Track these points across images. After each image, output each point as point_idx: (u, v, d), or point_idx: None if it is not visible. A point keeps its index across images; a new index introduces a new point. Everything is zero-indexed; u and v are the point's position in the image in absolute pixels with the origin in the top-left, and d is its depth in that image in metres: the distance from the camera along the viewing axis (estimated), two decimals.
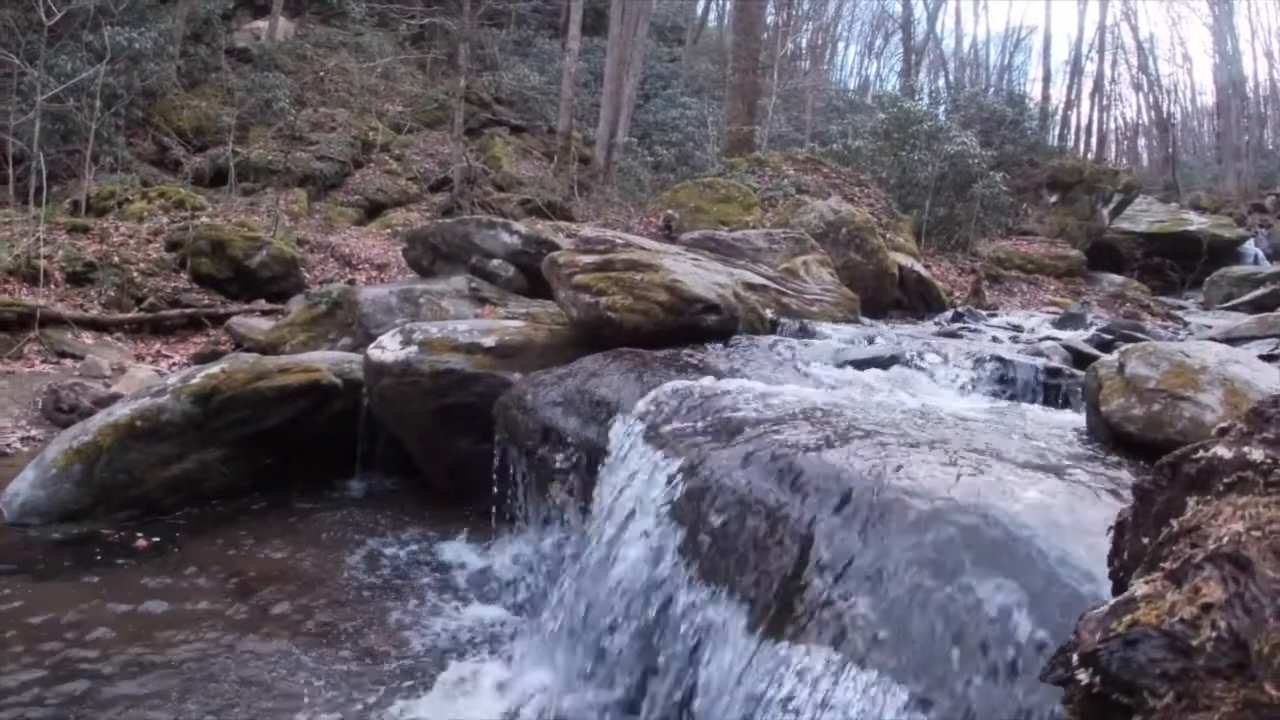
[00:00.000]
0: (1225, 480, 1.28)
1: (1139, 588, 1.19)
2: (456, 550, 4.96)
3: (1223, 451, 1.31)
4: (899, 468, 2.72)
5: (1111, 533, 1.49)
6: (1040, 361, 5.01)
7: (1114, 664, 1.12)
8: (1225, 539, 1.15)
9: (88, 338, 8.80)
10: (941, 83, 36.32)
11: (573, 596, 3.46)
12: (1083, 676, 1.16)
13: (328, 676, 3.61)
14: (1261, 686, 1.00)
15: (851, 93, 34.58)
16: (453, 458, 5.44)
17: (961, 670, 2.07)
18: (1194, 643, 1.08)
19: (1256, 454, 1.27)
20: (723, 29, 33.56)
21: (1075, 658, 1.18)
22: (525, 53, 22.41)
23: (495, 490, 4.85)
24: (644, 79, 21.67)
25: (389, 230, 13.40)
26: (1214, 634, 1.07)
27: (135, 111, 14.80)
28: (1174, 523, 1.27)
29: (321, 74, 17.55)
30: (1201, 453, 1.34)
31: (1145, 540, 1.35)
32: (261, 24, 18.89)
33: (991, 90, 30.48)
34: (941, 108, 25.50)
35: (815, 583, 2.53)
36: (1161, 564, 1.22)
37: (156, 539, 4.93)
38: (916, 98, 24.61)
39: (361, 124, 16.94)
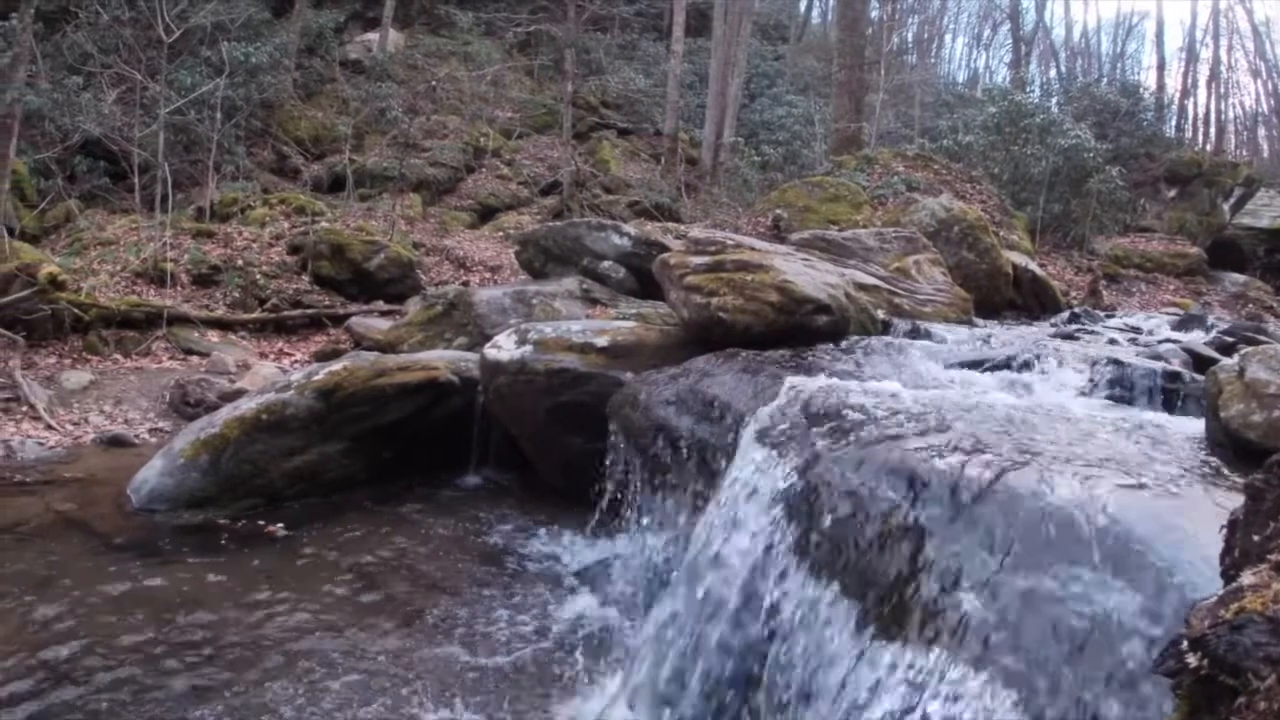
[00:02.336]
0: None
1: (1246, 577, 1.23)
2: (568, 545, 5.05)
3: None
4: (1014, 470, 2.68)
5: (1224, 531, 1.50)
6: (1159, 365, 4.85)
7: (1221, 647, 1.16)
8: None
9: (213, 336, 9.17)
10: (1053, 73, 35.23)
11: (684, 593, 3.47)
12: (1192, 660, 1.20)
13: (438, 668, 3.70)
14: None
15: (960, 86, 33.74)
16: (565, 454, 5.52)
17: (1073, 675, 2.04)
18: None
19: None
20: (826, 25, 33.17)
21: (1185, 644, 1.22)
22: (630, 56, 22.51)
23: (607, 487, 4.90)
24: (749, 78, 21.56)
25: (501, 233, 13.62)
26: None
27: (254, 122, 15.34)
28: None
29: (432, 83, 17.90)
30: None
31: (1256, 537, 1.36)
32: (372, 36, 19.36)
33: (1104, 80, 29.41)
34: (1053, 99, 24.72)
35: (927, 583, 2.51)
36: (1268, 556, 1.26)
37: (279, 526, 5.13)
38: (1027, 90, 23.94)
39: (472, 130, 17.25)
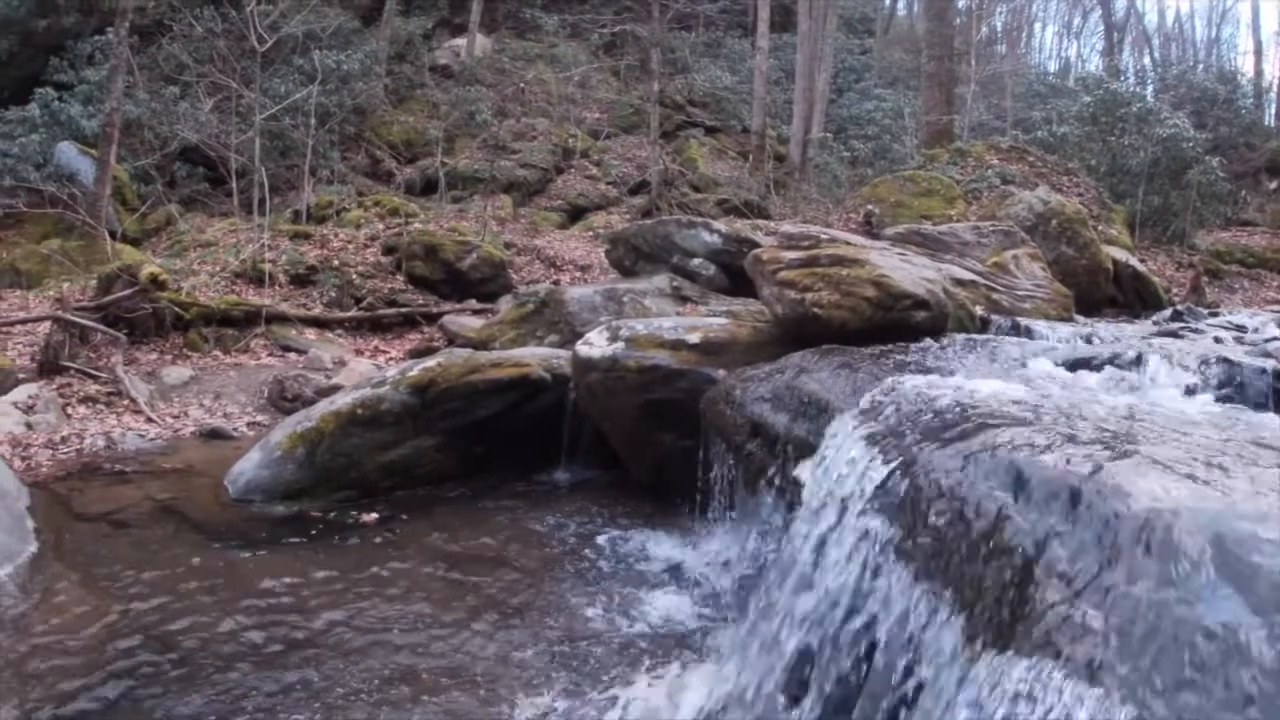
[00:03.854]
0: None
1: None
2: (658, 543, 5.00)
3: None
4: (1126, 472, 2.56)
5: None
6: (1270, 364, 4.66)
7: None
8: None
9: (310, 334, 9.40)
10: (1146, 61, 34.08)
11: (777, 595, 3.41)
12: None
13: (526, 663, 3.71)
14: None
15: (1052, 76, 32.87)
16: (656, 452, 5.49)
17: (1194, 691, 1.94)
18: None
19: None
20: (913, 17, 32.72)
21: None
22: (716, 54, 22.47)
23: (698, 485, 4.86)
24: (836, 73, 21.36)
25: (591, 233, 13.71)
26: None
27: (348, 127, 15.72)
28: None
29: (520, 85, 18.12)
30: None
31: None
32: (460, 42, 19.66)
33: (1200, 66, 28.33)
34: (1149, 88, 23.93)
35: (1040, 591, 2.41)
36: None
37: (373, 517, 5.23)
38: (1122, 78, 23.19)
39: (561, 132, 17.40)
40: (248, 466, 5.52)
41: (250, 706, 3.31)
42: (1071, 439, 2.96)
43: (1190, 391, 4.49)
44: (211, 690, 3.40)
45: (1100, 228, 12.49)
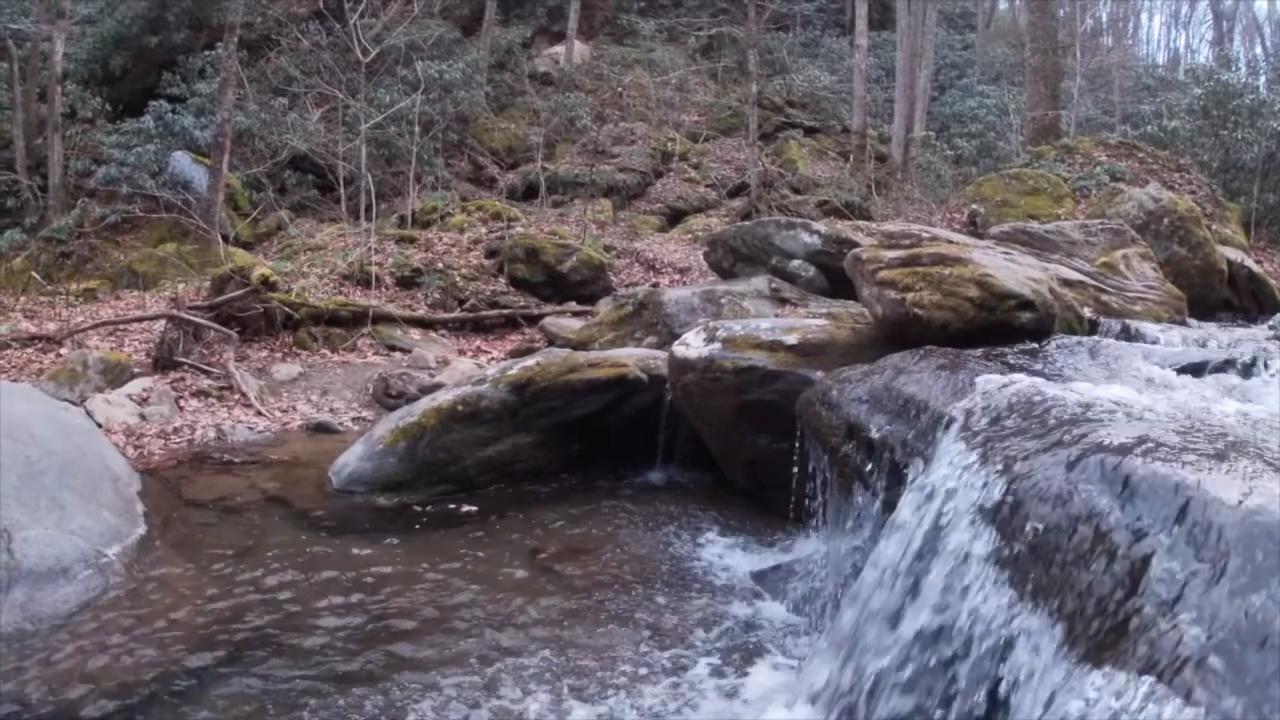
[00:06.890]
0: None
1: None
2: (750, 545, 4.99)
3: None
4: (1247, 484, 2.47)
5: None
6: None
7: None
8: None
9: (414, 334, 9.63)
10: (1258, 50, 32.63)
11: (869, 601, 3.36)
12: None
13: (613, 661, 3.72)
14: None
15: (1160, 68, 31.71)
16: (751, 453, 5.47)
17: None
18: None
19: None
20: (1014, 9, 31.95)
21: None
22: (813, 54, 22.29)
23: (793, 488, 4.81)
24: (937, 70, 21.02)
25: (690, 235, 13.73)
26: None
27: (451, 135, 16.05)
28: None
29: (619, 91, 18.26)
30: None
31: None
32: (559, 49, 19.93)
33: None
34: (1261, 78, 22.83)
35: (1146, 606, 2.34)
36: None
37: (471, 509, 5.36)
38: (1233, 68, 22.18)
39: (660, 135, 17.46)
40: (351, 459, 5.70)
41: (332, 686, 3.42)
42: (1182, 445, 2.87)
43: None
44: (298, 668, 3.53)
45: (1214, 226, 12.04)
